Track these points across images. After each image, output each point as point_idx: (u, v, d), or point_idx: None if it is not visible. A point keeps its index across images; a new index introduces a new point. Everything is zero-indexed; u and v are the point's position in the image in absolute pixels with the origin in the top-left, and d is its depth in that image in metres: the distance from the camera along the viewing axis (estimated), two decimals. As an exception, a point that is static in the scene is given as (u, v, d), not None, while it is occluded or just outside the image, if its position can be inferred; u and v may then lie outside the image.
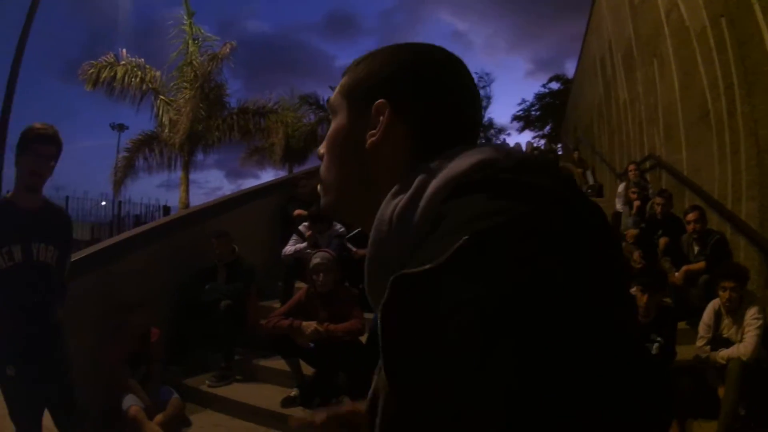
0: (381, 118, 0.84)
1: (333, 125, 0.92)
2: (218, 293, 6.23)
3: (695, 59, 8.09)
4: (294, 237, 7.40)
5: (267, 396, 5.63)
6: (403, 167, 0.81)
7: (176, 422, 5.28)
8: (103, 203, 30.37)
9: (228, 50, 18.45)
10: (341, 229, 7.51)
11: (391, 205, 0.76)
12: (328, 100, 0.97)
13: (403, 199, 0.75)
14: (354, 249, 7.11)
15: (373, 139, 0.84)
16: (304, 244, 7.18)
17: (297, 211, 8.39)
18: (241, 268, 6.62)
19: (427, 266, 0.57)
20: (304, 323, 5.16)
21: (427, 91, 0.86)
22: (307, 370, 5.53)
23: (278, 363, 5.87)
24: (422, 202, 0.73)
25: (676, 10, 8.88)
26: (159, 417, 5.11)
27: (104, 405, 5.23)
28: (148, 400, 5.21)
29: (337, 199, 0.93)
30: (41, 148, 3.40)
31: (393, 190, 0.78)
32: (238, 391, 5.82)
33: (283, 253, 7.29)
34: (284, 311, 5.44)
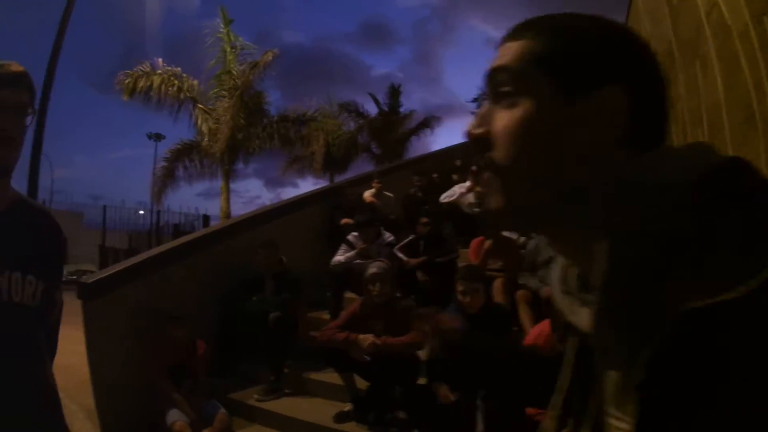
0: (606, 107, 0.67)
1: (521, 106, 0.71)
2: (266, 305, 6.10)
3: (738, 59, 7.86)
4: (343, 246, 7.27)
5: (317, 410, 5.48)
6: (617, 168, 0.66)
7: (222, 437, 5.16)
8: (141, 212, 30.68)
9: (270, 58, 18.29)
10: (390, 238, 7.38)
11: (635, 216, 0.60)
12: (498, 69, 0.75)
13: (650, 208, 0.60)
14: (405, 258, 6.95)
15: (601, 133, 0.68)
16: (354, 253, 7.06)
17: (344, 220, 8.30)
18: (289, 278, 6.49)
19: (735, 294, 0.48)
20: (361, 336, 5.01)
21: (652, 76, 0.72)
22: (361, 383, 5.38)
23: (329, 376, 5.73)
24: (677, 212, 0.58)
25: (717, 9, 8.64)
26: (205, 432, 4.99)
27: (144, 418, 5.14)
28: (193, 414, 5.07)
29: (524, 202, 0.73)
30: (8, 94, 1.74)
31: (622, 195, 0.63)
32: (287, 405, 5.68)
33: (332, 263, 7.16)
34: (339, 324, 5.29)
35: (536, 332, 4.72)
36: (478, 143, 0.75)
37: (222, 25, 18.26)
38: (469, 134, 0.76)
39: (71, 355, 6.05)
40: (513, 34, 0.76)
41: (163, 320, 5.47)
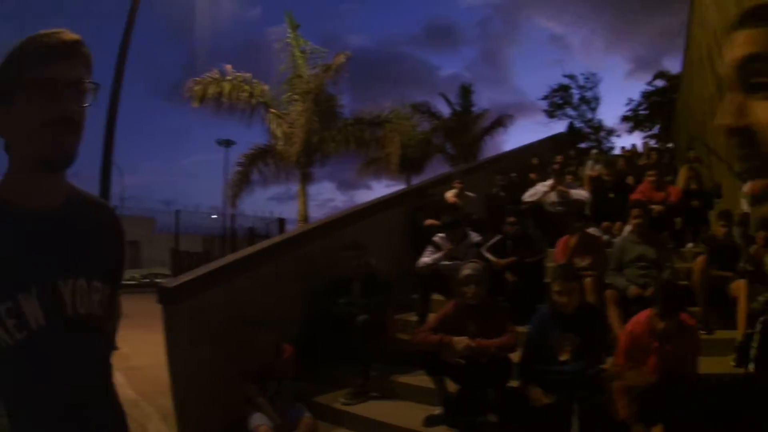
0: None
1: None
2: (354, 307, 6.05)
3: None
4: (429, 248, 7.16)
5: (405, 414, 5.39)
6: None
7: (308, 442, 5.10)
8: (214, 216, 31.37)
9: (343, 60, 18.31)
10: (477, 239, 7.25)
11: None
12: (753, 57, 0.70)
13: None
14: (494, 259, 6.82)
15: None
16: (441, 255, 6.95)
17: (428, 221, 8.22)
18: (378, 281, 6.44)
19: None
20: (455, 338, 4.89)
21: None
22: (451, 386, 5.25)
23: (417, 379, 5.62)
24: None
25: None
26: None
27: (223, 423, 5.17)
28: (277, 418, 5.01)
29: None
30: (62, 69, 1.39)
31: None
32: (374, 409, 5.60)
33: (418, 265, 7.08)
34: (432, 326, 5.19)
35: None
36: (737, 135, 0.70)
37: (289, 30, 18.38)
38: (726, 127, 0.71)
39: (145, 357, 6.16)
40: (755, 20, 0.70)
41: (246, 324, 5.47)
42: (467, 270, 5.18)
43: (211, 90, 17.71)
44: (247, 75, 18.44)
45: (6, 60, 1.39)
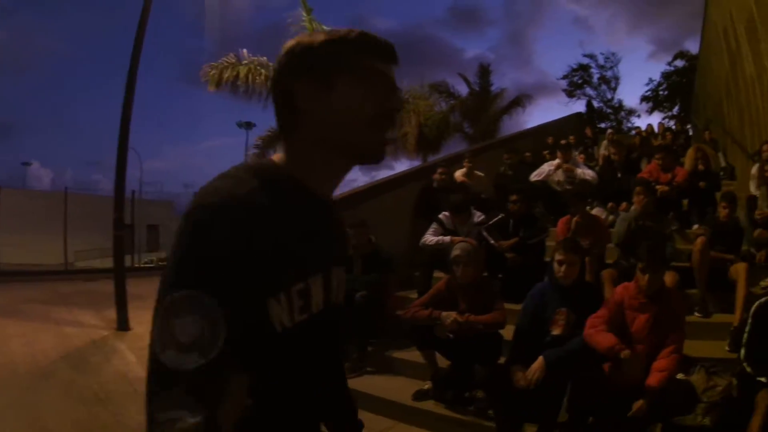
0: None
1: None
2: (354, 284, 6.10)
3: None
4: (434, 226, 7.22)
5: (399, 389, 5.50)
6: None
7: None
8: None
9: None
10: (480, 217, 7.28)
11: None
12: None
13: None
14: (496, 241, 6.86)
15: None
16: (444, 233, 7.03)
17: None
18: (379, 258, 6.51)
19: None
20: (444, 313, 4.94)
21: None
22: (442, 362, 5.33)
23: (412, 354, 5.69)
24: None
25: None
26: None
27: None
28: None
29: None
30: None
31: None
32: (368, 384, 5.70)
33: (421, 243, 7.16)
34: (424, 301, 5.23)
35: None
36: None
37: (304, 14, 18.25)
38: None
39: None
40: None
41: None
42: (456, 251, 5.20)
43: (227, 74, 17.65)
44: (263, 59, 18.33)
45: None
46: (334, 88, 1.24)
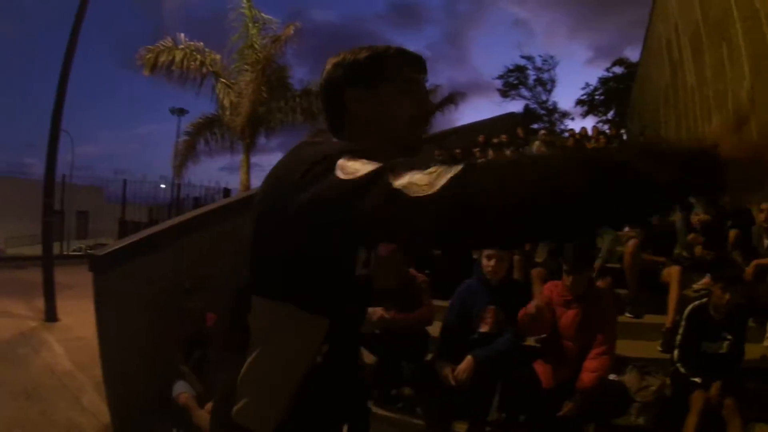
0: None
1: None
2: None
3: (766, 43, 7.71)
4: None
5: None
6: None
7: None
8: (162, 186, 30.81)
9: (291, 31, 17.82)
10: None
11: None
12: None
13: None
14: None
15: None
16: None
17: None
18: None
19: None
20: (370, 310, 4.78)
21: None
22: (369, 358, 5.19)
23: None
24: None
25: (746, -8, 8.56)
26: (210, 404, 4.79)
27: (153, 391, 5.07)
28: (200, 386, 4.95)
29: None
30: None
31: None
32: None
33: None
34: (351, 298, 5.00)
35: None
36: None
37: (244, 0, 17.95)
38: None
39: (86, 328, 6.01)
40: None
41: (178, 293, 5.39)
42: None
43: (162, 58, 17.22)
44: (200, 44, 18.03)
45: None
46: (380, 93, 1.49)
